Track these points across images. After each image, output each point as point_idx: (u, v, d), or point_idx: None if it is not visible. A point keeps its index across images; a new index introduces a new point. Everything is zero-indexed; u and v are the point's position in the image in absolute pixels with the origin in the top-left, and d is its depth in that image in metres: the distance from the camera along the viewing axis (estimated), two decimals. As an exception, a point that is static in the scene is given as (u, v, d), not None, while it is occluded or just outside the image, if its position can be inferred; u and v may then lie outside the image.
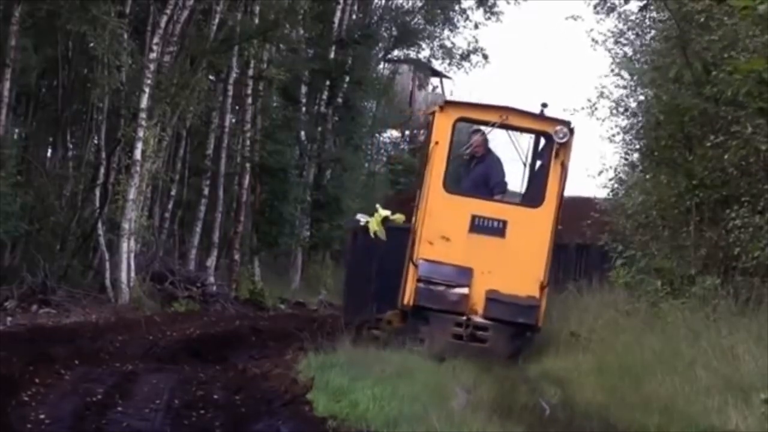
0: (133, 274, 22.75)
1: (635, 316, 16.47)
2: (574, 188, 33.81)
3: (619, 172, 25.26)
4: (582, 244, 29.36)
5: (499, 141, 16.63)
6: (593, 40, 25.35)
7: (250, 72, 29.40)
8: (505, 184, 16.29)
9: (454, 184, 16.12)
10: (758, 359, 11.35)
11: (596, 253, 25.40)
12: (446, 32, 45.85)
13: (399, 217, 16.42)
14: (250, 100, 29.53)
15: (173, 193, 27.88)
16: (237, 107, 30.06)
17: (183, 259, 27.70)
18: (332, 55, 35.10)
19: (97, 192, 24.15)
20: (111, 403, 10.43)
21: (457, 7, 44.29)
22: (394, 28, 43.24)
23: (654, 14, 23.25)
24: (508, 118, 15.56)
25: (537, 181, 16.00)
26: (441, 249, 15.35)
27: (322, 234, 35.28)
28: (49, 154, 27.31)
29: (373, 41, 38.85)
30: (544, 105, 15.61)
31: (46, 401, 10.33)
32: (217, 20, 26.37)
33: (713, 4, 17.06)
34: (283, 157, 31.15)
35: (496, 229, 15.39)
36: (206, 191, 28.58)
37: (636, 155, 25.23)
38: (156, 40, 23.22)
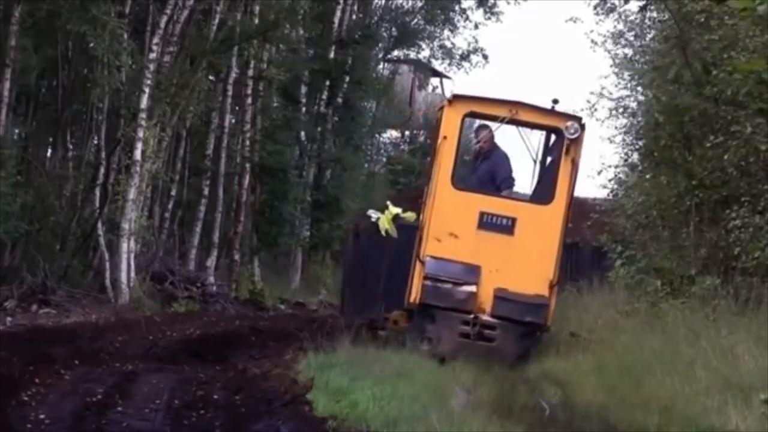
0: (133, 274, 22.75)
1: (635, 316, 16.45)
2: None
3: (619, 173, 25.30)
4: (572, 243, 29.28)
5: (510, 137, 16.19)
6: (592, 41, 25.39)
7: (250, 72, 29.40)
8: (512, 179, 15.93)
9: (462, 180, 15.80)
10: (758, 359, 11.35)
11: (588, 252, 25.35)
12: (446, 32, 45.93)
13: (410, 215, 16.05)
14: (249, 100, 29.53)
15: (173, 193, 27.88)
16: (237, 107, 30.06)
17: (183, 259, 27.71)
18: (332, 55, 35.10)
19: (97, 192, 24.15)
20: (111, 403, 10.43)
21: (457, 7, 44.32)
22: (394, 29, 43.26)
23: (654, 14, 23.26)
24: (518, 113, 15.19)
25: (547, 177, 15.64)
26: (448, 246, 15.02)
27: (322, 234, 35.29)
28: (49, 154, 27.31)
29: (373, 41, 38.86)
30: (555, 101, 15.23)
31: (46, 401, 10.33)
32: (217, 20, 26.37)
33: (713, 5, 17.05)
34: (283, 157, 31.15)
35: (504, 226, 15.07)
36: (206, 191, 28.59)
37: (636, 155, 25.26)
38: (156, 40, 23.22)
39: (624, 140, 26.45)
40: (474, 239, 15.04)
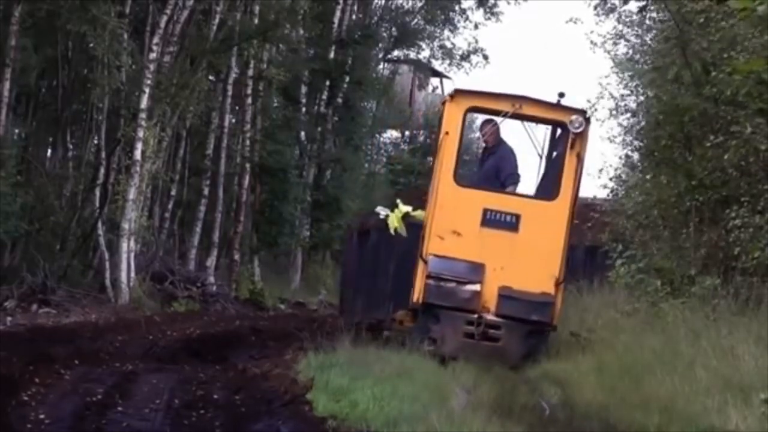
0: (133, 274, 22.76)
1: (635, 316, 16.42)
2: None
3: (619, 173, 25.29)
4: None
5: (517, 133, 15.89)
6: (592, 42, 25.38)
7: (250, 72, 29.42)
8: (517, 175, 15.55)
9: (469, 176, 15.51)
10: (758, 359, 11.34)
11: (581, 252, 25.27)
12: (446, 32, 45.95)
13: (420, 213, 15.61)
14: (249, 100, 29.55)
15: (173, 193, 27.90)
16: (237, 107, 30.09)
17: (183, 259, 27.72)
18: (332, 55, 35.13)
19: (97, 192, 24.17)
20: (111, 403, 10.43)
21: (457, 8, 44.34)
22: (394, 29, 43.28)
23: (653, 15, 23.25)
24: (522, 107, 14.86)
25: (552, 173, 15.30)
26: (452, 244, 14.69)
27: (322, 234, 35.32)
28: (49, 154, 27.34)
29: (373, 41, 38.88)
30: (561, 95, 14.92)
31: (46, 401, 10.32)
32: (217, 20, 26.39)
33: (712, 5, 17.03)
34: (283, 157, 31.18)
35: (509, 223, 14.75)
36: (206, 191, 28.61)
37: (636, 155, 25.26)
38: (156, 40, 23.24)
39: (624, 140, 26.46)
40: (478, 237, 14.73)
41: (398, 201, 16.26)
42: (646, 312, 16.39)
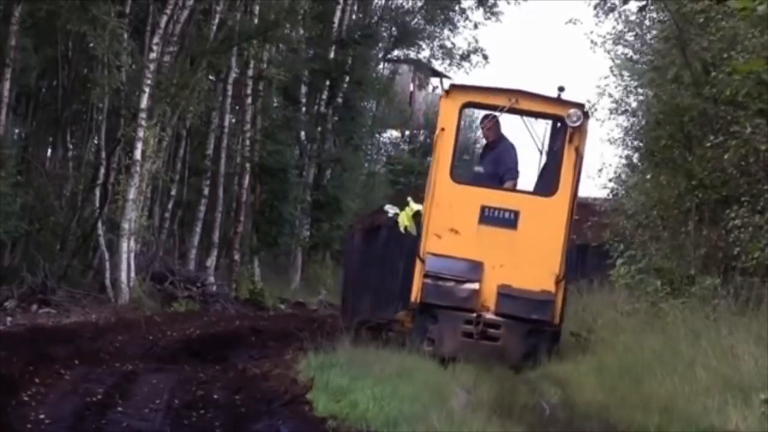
0: (133, 274, 22.77)
1: (635, 316, 16.40)
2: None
3: (619, 173, 25.30)
4: None
5: (518, 128, 15.66)
6: (592, 42, 25.37)
7: (250, 72, 29.44)
8: (516, 171, 15.33)
9: (462, 173, 15.28)
10: (758, 359, 11.33)
11: (573, 251, 25.21)
12: (446, 32, 46.00)
13: None
14: (249, 100, 29.57)
15: (173, 193, 27.91)
16: (237, 107, 30.10)
17: (183, 259, 27.74)
18: (332, 55, 35.14)
19: (97, 192, 24.19)
20: (111, 403, 10.43)
21: (457, 7, 44.37)
22: (394, 28, 43.30)
23: (653, 14, 23.26)
24: (518, 101, 14.65)
25: (550, 168, 15.11)
26: (449, 242, 14.49)
27: (322, 234, 35.32)
28: (49, 154, 27.36)
29: (373, 41, 38.90)
30: (561, 89, 14.69)
31: (46, 401, 10.32)
32: (217, 20, 26.40)
33: (712, 5, 17.02)
34: (283, 157, 31.19)
35: (507, 220, 14.51)
36: (206, 191, 28.63)
37: (636, 156, 25.25)
38: (156, 40, 23.25)
39: (624, 140, 26.47)
40: (475, 234, 14.52)
41: (409, 199, 15.99)
42: (646, 312, 16.37)
